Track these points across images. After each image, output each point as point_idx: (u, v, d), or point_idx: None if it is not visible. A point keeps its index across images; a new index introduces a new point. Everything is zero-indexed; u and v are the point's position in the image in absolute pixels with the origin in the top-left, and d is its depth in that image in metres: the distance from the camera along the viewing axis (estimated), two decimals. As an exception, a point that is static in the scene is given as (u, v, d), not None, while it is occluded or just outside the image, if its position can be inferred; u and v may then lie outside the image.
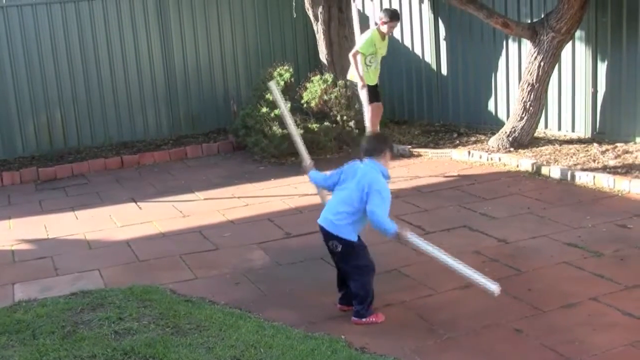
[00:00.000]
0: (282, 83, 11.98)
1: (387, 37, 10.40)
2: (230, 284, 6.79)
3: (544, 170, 9.75)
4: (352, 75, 10.51)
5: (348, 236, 5.71)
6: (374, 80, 10.47)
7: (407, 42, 13.60)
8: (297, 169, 11.04)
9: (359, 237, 5.79)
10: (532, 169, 9.90)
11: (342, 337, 5.51)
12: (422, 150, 11.41)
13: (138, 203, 9.86)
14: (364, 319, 5.79)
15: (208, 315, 5.91)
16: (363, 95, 10.36)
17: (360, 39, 10.26)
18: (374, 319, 5.79)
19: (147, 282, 6.79)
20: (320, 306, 6.14)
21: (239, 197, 9.78)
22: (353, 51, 10.28)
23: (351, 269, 5.81)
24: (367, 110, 10.39)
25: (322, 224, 5.80)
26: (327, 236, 5.79)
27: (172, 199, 9.93)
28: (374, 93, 10.47)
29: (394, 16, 10.22)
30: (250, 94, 12.84)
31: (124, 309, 6.06)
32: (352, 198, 5.69)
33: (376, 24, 10.40)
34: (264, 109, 11.69)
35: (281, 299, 6.36)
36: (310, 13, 12.67)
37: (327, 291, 6.37)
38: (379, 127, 10.74)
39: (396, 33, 13.73)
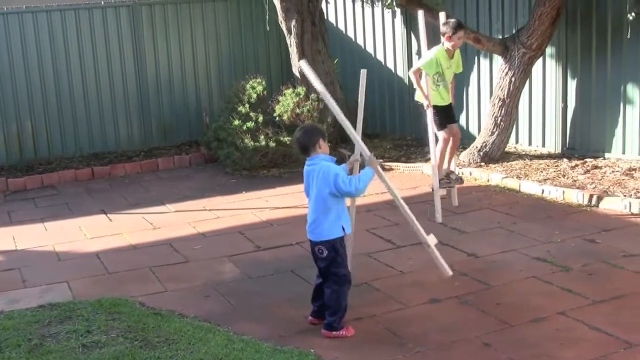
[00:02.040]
0: (254, 96, 11.99)
1: (456, 52, 8.86)
2: (200, 296, 6.76)
3: (514, 185, 9.81)
4: (418, 95, 8.89)
5: (332, 235, 5.76)
6: (445, 100, 8.85)
7: (380, 56, 13.67)
8: (268, 182, 11.09)
9: (342, 242, 5.82)
10: (503, 183, 9.96)
11: (312, 351, 5.50)
12: (393, 164, 11.44)
13: (108, 215, 9.81)
14: (334, 332, 5.78)
15: (177, 329, 5.88)
16: (429, 117, 8.75)
17: (424, 56, 8.73)
18: (344, 333, 5.79)
19: (116, 295, 6.75)
20: (290, 320, 6.13)
21: (210, 210, 9.75)
22: (414, 68, 8.85)
23: (331, 275, 5.82)
24: (432, 134, 8.74)
25: (308, 236, 5.90)
26: (312, 244, 5.86)
27: (143, 210, 9.88)
28: (446, 114, 8.92)
29: (457, 27, 8.64)
30: (222, 106, 12.82)
31: (93, 322, 6.02)
32: (321, 199, 5.78)
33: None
34: (236, 122, 11.69)
35: (251, 312, 6.35)
36: (283, 26, 12.69)
37: (297, 304, 6.38)
38: (447, 158, 9.05)
39: (368, 46, 13.82)
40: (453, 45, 8.65)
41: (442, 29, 8.70)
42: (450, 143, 8.96)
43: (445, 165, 8.99)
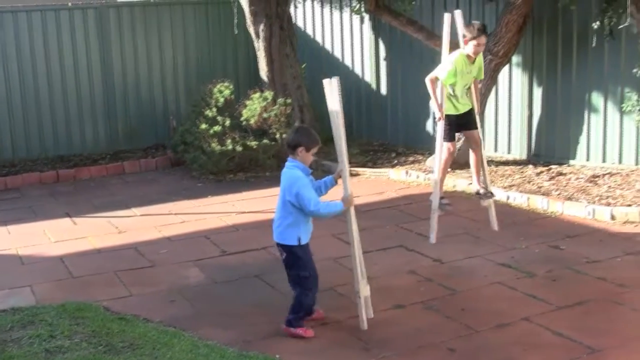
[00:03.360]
0: (221, 100, 11.96)
1: (479, 56, 8.04)
2: (165, 301, 6.73)
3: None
4: (431, 104, 8.33)
5: (287, 241, 5.80)
6: (460, 109, 8.10)
7: (348, 61, 13.70)
8: (235, 186, 11.06)
9: (304, 246, 5.83)
10: (469, 189, 10.01)
11: (277, 356, 5.50)
12: (360, 170, 11.46)
13: (73, 218, 9.73)
14: (291, 329, 5.84)
15: (142, 333, 5.85)
16: (439, 129, 8.10)
17: (443, 64, 7.91)
18: (301, 332, 5.83)
19: (80, 299, 6.69)
20: (255, 325, 6.12)
21: (176, 214, 9.71)
22: (431, 75, 8.02)
23: (293, 277, 5.88)
24: (439, 147, 8.06)
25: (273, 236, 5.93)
26: (276, 245, 5.90)
27: (108, 214, 9.81)
28: (460, 123, 8.17)
29: (479, 31, 7.77)
30: (189, 110, 12.77)
31: (56, 327, 5.96)
32: (282, 202, 5.82)
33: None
34: (203, 126, 11.65)
35: (216, 317, 6.32)
36: (251, 30, 12.67)
37: (262, 310, 6.38)
38: (474, 171, 8.40)
39: (336, 51, 13.85)
40: (474, 51, 7.84)
41: (463, 31, 7.90)
42: (473, 153, 8.29)
43: (474, 182, 8.39)
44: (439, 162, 8.06)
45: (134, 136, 13.52)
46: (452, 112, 8.06)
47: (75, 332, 5.88)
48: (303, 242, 5.83)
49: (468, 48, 7.84)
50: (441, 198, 8.04)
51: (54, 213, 10.01)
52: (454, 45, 7.99)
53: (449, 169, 8.71)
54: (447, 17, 7.90)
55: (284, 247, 5.83)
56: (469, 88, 8.10)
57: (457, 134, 8.41)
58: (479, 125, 8.27)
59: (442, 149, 8.05)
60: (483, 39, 7.85)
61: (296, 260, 5.81)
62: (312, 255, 5.98)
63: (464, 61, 7.89)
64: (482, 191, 8.27)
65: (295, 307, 5.86)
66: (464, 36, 7.84)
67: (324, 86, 5.84)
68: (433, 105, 8.10)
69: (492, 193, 8.38)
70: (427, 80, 8.05)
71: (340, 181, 5.91)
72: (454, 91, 7.97)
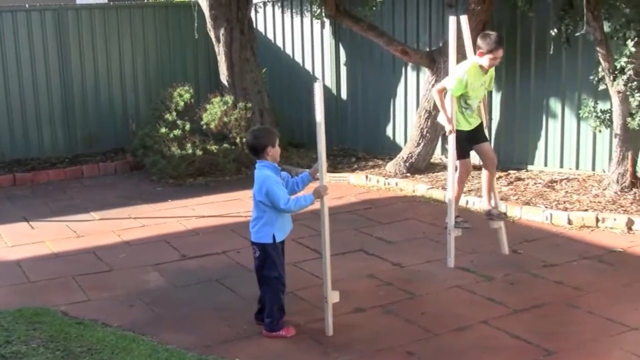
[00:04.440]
0: (181, 104, 11.92)
1: (491, 68, 7.41)
2: (124, 306, 6.68)
3: (440, 196, 9.93)
4: (440, 118, 7.64)
5: (262, 239, 5.84)
6: (472, 123, 7.55)
7: (308, 66, 13.72)
8: (195, 190, 11.03)
9: (278, 246, 5.89)
10: (428, 194, 10.08)
11: (236, 359, 5.49)
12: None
13: (30, 222, 9.63)
14: (273, 333, 5.87)
15: (100, 338, 5.80)
16: (450, 143, 7.48)
17: (453, 74, 7.28)
18: (283, 333, 5.87)
19: (37, 304, 6.62)
20: (215, 329, 6.10)
21: (135, 218, 9.65)
22: (438, 86, 7.52)
23: (263, 277, 5.91)
24: (452, 163, 7.48)
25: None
26: (251, 245, 5.95)
27: (67, 218, 9.73)
28: (471, 139, 7.60)
29: (497, 44, 7.12)
30: (149, 114, 12.72)
31: (12, 332, 5.89)
32: (255, 203, 5.87)
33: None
34: (163, 129, 11.60)
35: (176, 322, 6.29)
36: (212, 34, 12.65)
37: (222, 314, 6.37)
38: (485, 189, 7.78)
39: (297, 56, 13.86)
40: (489, 63, 7.19)
41: (478, 42, 7.20)
42: (486, 173, 7.71)
43: (484, 201, 7.80)
44: (453, 179, 7.52)
45: (93, 140, 13.43)
46: (465, 127, 7.47)
47: (32, 337, 5.82)
48: (278, 240, 5.88)
49: (483, 61, 7.18)
50: (457, 217, 7.54)
51: (11, 217, 9.90)
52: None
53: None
54: (452, 20, 7.24)
55: (258, 245, 5.87)
56: (478, 104, 7.55)
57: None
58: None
59: (457, 165, 7.53)
60: (500, 52, 7.20)
61: (268, 259, 5.85)
62: (284, 260, 6.04)
63: (477, 72, 7.29)
64: (494, 212, 7.70)
65: (268, 311, 5.90)
66: (479, 48, 7.16)
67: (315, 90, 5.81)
68: (442, 118, 7.43)
69: (505, 214, 8.05)
70: (434, 91, 7.49)
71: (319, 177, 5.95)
72: (467, 104, 7.39)
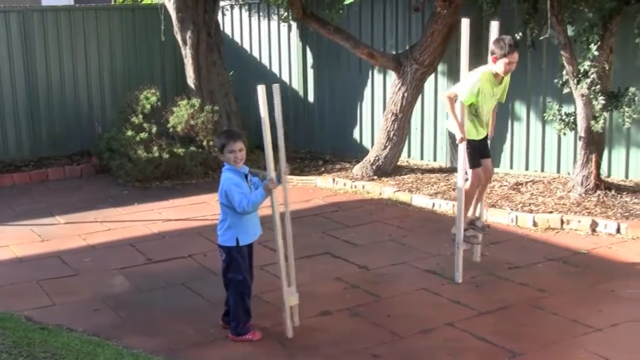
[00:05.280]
0: (148, 106, 11.87)
1: (506, 76, 7.13)
2: (89, 310, 6.64)
3: (406, 199, 9.97)
4: (449, 124, 7.54)
5: (226, 242, 5.86)
6: (482, 133, 7.29)
7: (275, 69, 13.72)
8: (161, 193, 10.98)
9: (243, 249, 5.89)
10: (395, 197, 10.12)
11: (202, 364, 5.49)
12: (287, 177, 11.44)
13: (-6, 226, 9.56)
14: (239, 337, 5.87)
15: (65, 343, 5.75)
16: (460, 151, 7.16)
17: (465, 81, 7.00)
18: (249, 337, 5.87)
19: (1, 309, 6.55)
20: (180, 333, 6.08)
21: (101, 222, 9.59)
22: (449, 92, 7.24)
23: (228, 280, 5.92)
24: (462, 172, 7.18)
25: None
26: (218, 247, 5.98)
27: (31, 222, 9.64)
28: (480, 149, 7.31)
29: (511, 47, 6.80)
30: (115, 117, 12.64)
31: (-25, 337, 5.83)
32: (221, 205, 5.90)
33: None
34: (130, 132, 11.54)
35: (141, 326, 6.27)
36: (178, 37, 12.59)
37: (188, 318, 6.35)
38: (473, 200, 7.49)
39: (264, 59, 13.85)
40: (504, 70, 6.90)
41: (491, 47, 6.92)
42: (480, 186, 7.47)
43: (469, 211, 7.49)
44: (462, 190, 7.19)
45: (58, 142, 13.29)
46: (474, 136, 7.17)
47: (-4, 342, 5.76)
48: (242, 243, 5.88)
49: (497, 66, 6.89)
50: (465, 230, 7.30)
51: (-26, 221, 9.81)
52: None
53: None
54: (465, 23, 6.99)
55: (223, 248, 5.89)
56: (489, 115, 7.30)
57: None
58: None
59: (469, 175, 7.19)
60: (515, 56, 6.85)
61: (232, 261, 5.86)
62: (252, 262, 6.05)
63: (490, 81, 7.00)
64: (478, 223, 7.48)
65: (234, 314, 5.90)
66: (492, 53, 6.88)
67: (258, 92, 5.83)
68: (452, 124, 7.10)
69: (488, 226, 7.79)
70: (444, 97, 7.18)
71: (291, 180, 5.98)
72: (477, 113, 7.11)
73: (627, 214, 8.66)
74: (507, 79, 7.14)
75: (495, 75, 6.99)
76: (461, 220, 7.20)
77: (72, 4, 18.74)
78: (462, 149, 7.07)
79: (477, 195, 7.49)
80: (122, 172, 11.66)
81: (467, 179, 7.21)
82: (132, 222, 9.56)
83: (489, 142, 7.50)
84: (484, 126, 7.24)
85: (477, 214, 7.58)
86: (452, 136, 7.50)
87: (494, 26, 7.09)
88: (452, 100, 7.04)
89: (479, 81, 6.90)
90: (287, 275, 5.99)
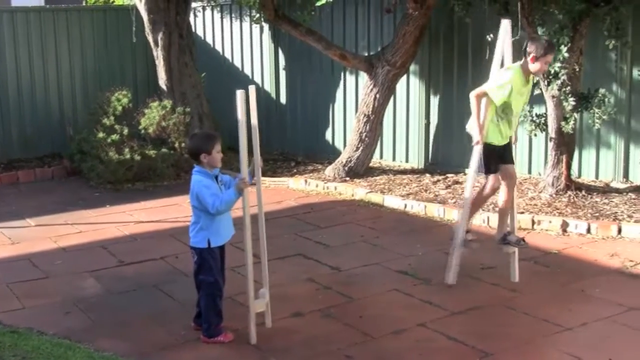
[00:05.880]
0: (119, 108, 11.81)
1: (532, 78, 6.94)
2: (60, 313, 6.59)
3: (378, 200, 9.99)
4: (470, 126, 6.98)
5: (198, 244, 5.85)
6: (505, 137, 6.94)
7: (247, 70, 13.71)
8: (133, 195, 10.93)
9: (214, 251, 5.88)
10: (367, 198, 10.14)
11: (174, 366, 5.46)
12: (260, 177, 11.43)
13: (-36, 229, 9.46)
14: (210, 338, 5.85)
15: (35, 347, 5.70)
16: (475, 154, 6.82)
17: (498, 80, 6.70)
18: (221, 339, 5.85)
19: (-30, 313, 6.51)
20: (152, 335, 6.05)
21: (72, 224, 9.53)
22: (478, 90, 6.79)
23: (199, 282, 5.91)
24: (472, 176, 6.91)
25: None
26: (190, 249, 5.96)
27: (1, 225, 9.54)
28: (500, 155, 6.97)
29: (549, 47, 6.67)
30: (87, 118, 12.56)
31: (-57, 342, 5.77)
32: (193, 208, 5.89)
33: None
34: (101, 134, 11.48)
35: (113, 329, 6.23)
36: (150, 38, 12.54)
37: (160, 320, 6.32)
38: (503, 210, 7.17)
39: (236, 60, 13.83)
40: (540, 68, 6.70)
41: (528, 47, 6.66)
42: (505, 192, 7.07)
43: (501, 225, 7.21)
44: (470, 193, 6.96)
45: (29, 144, 13.19)
46: (497, 141, 6.85)
47: (-35, 346, 5.71)
48: (213, 245, 5.86)
49: (535, 66, 6.64)
50: (467, 232, 7.10)
51: (-57, 224, 9.71)
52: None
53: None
54: (505, 24, 6.84)
55: (195, 250, 5.88)
56: (516, 118, 6.98)
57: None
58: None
59: (488, 180, 6.96)
60: (552, 56, 6.79)
61: (204, 263, 5.84)
62: (224, 264, 6.03)
63: (521, 80, 6.73)
64: (512, 238, 7.11)
65: (206, 316, 5.88)
66: (530, 53, 6.61)
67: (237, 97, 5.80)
68: (473, 126, 6.81)
69: (523, 240, 7.23)
70: (473, 96, 6.78)
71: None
72: (504, 113, 6.79)
73: (597, 214, 8.74)
74: (531, 78, 6.92)
75: (526, 73, 6.72)
76: (463, 222, 7.02)
77: (42, 4, 18.61)
78: (476, 153, 6.77)
79: (504, 205, 7.13)
80: (94, 174, 11.60)
81: (478, 186, 7.09)
82: (104, 224, 9.50)
83: (513, 146, 7.18)
84: (509, 130, 6.92)
85: (509, 228, 7.20)
86: (469, 138, 7.12)
87: (506, 24, 6.85)
88: (480, 99, 6.72)
89: (512, 80, 6.65)
90: (253, 280, 5.94)
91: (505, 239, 7.12)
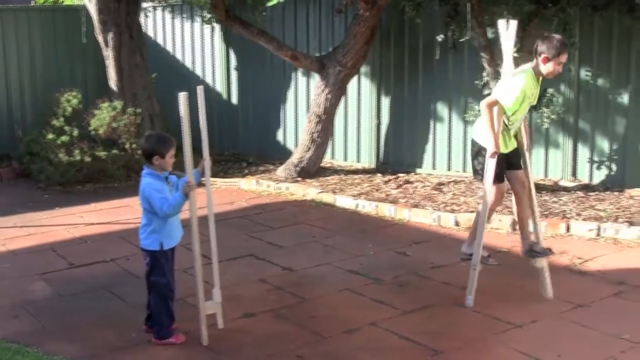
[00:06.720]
0: (69, 109, 11.70)
1: (540, 80, 6.49)
2: (7, 316, 6.49)
3: (330, 200, 10.01)
4: (480, 134, 6.59)
5: (150, 247, 5.81)
6: (509, 145, 6.58)
7: (199, 71, 13.65)
8: (83, 197, 10.82)
9: (167, 252, 5.85)
10: (319, 198, 10.15)
11: (125, 369, 5.42)
12: (211, 180, 11.39)
13: None
14: (162, 340, 5.81)
15: (-18, 351, 5.64)
16: (490, 167, 6.43)
17: (510, 86, 6.31)
18: (173, 340, 5.82)
19: None
20: (103, 338, 5.99)
21: (21, 227, 9.40)
22: (490, 99, 6.41)
23: (150, 283, 5.87)
24: (489, 189, 6.50)
25: None
26: (141, 251, 5.92)
27: (-52, 228, 9.42)
28: (507, 162, 6.58)
29: (564, 46, 6.26)
30: (36, 119, 12.41)
31: None
32: (143, 210, 5.85)
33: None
34: (51, 135, 11.36)
35: (62, 332, 6.16)
36: (100, 39, 12.42)
37: (110, 322, 6.27)
38: (522, 217, 6.76)
39: (187, 61, 13.77)
40: (553, 69, 6.27)
41: (540, 47, 6.24)
42: (518, 199, 6.79)
43: (524, 236, 6.78)
44: (483, 211, 6.61)
45: (-24, 146, 13.01)
46: (502, 149, 6.47)
47: None
48: (166, 247, 5.83)
49: (546, 67, 6.25)
50: (530, 248, 6.71)
51: None
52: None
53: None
54: (512, 25, 6.46)
55: (147, 252, 5.83)
56: (521, 122, 6.62)
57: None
58: (529, 164, 6.73)
59: (490, 191, 6.52)
60: (565, 56, 6.31)
61: (156, 265, 5.81)
62: (174, 265, 6.00)
63: (533, 83, 6.37)
64: (537, 248, 6.65)
65: (157, 318, 5.85)
66: (542, 53, 6.21)
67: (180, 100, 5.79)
68: (486, 137, 6.37)
69: (550, 249, 6.78)
70: (484, 105, 6.36)
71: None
72: (509, 122, 6.45)
73: (546, 212, 8.85)
74: (541, 79, 6.51)
75: (537, 75, 6.37)
76: (480, 243, 6.57)
77: (-10, 4, 18.32)
78: (493, 164, 6.37)
79: (520, 214, 6.76)
80: (43, 176, 11.47)
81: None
82: (54, 226, 9.40)
83: (527, 153, 6.71)
84: (507, 138, 6.54)
85: (533, 238, 6.74)
86: (475, 144, 6.70)
87: (513, 25, 6.45)
88: (492, 108, 6.30)
89: (525, 86, 6.27)
90: (203, 281, 5.92)
91: (531, 251, 6.68)
